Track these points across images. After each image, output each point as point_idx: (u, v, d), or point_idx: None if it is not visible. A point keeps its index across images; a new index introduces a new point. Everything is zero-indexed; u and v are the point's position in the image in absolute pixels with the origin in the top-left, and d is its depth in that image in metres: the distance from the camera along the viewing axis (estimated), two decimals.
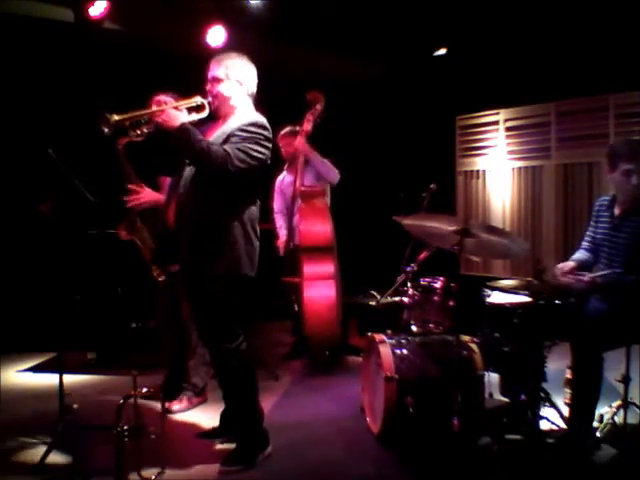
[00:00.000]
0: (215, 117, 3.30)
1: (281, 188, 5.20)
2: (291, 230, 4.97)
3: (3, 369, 4.74)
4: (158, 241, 3.75)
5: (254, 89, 3.33)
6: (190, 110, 3.21)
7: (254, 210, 3.25)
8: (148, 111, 3.14)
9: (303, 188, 4.89)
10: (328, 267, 4.77)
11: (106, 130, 3.02)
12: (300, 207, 4.84)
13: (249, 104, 3.31)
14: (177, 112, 3.11)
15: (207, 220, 3.12)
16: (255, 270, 3.23)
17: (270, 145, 3.22)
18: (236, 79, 3.24)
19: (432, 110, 6.72)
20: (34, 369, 4.98)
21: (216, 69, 3.24)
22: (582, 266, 3.54)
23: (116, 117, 3.02)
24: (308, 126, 4.88)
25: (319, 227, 4.79)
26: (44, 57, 5.27)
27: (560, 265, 3.53)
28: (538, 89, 5.98)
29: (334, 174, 4.94)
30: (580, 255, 3.63)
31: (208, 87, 3.25)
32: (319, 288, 4.73)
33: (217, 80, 3.22)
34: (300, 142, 4.88)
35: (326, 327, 4.73)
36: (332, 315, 4.74)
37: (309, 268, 4.74)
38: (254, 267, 3.22)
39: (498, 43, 5.93)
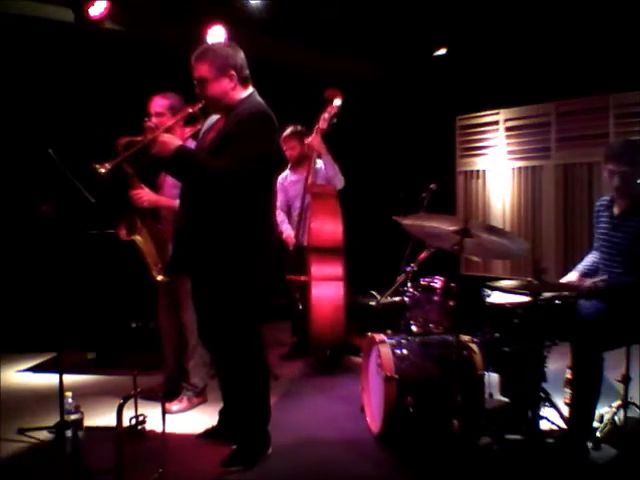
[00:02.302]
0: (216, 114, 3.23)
1: (283, 185, 5.20)
2: (299, 229, 4.96)
3: (3, 369, 4.74)
4: (173, 251, 3.65)
5: (246, 71, 3.13)
6: (184, 125, 3.15)
7: (269, 209, 3.19)
8: (140, 145, 3.00)
9: (315, 187, 4.87)
10: (337, 268, 4.77)
11: (104, 178, 2.91)
12: (310, 205, 4.82)
13: (247, 90, 3.14)
14: (170, 137, 2.99)
15: (216, 223, 3.05)
16: (270, 270, 3.18)
17: (272, 135, 3.09)
18: (223, 72, 3.04)
19: (432, 110, 6.72)
20: (34, 369, 4.97)
21: (201, 68, 3.05)
22: (588, 273, 3.54)
23: (102, 170, 2.88)
24: (324, 124, 4.85)
25: (330, 227, 4.77)
26: (44, 57, 5.27)
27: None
28: (538, 89, 5.98)
29: (339, 180, 4.94)
30: (588, 261, 3.64)
31: (197, 91, 3.10)
32: (327, 289, 4.73)
33: (205, 80, 3.05)
34: (315, 140, 4.85)
35: (332, 328, 4.73)
36: (339, 316, 4.75)
37: (318, 268, 4.74)
38: (268, 267, 3.18)
39: (498, 43, 5.93)
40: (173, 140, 2.98)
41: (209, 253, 3.09)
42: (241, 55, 3.14)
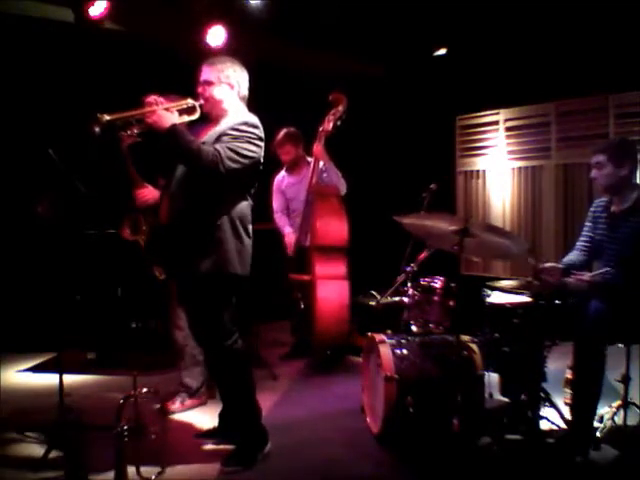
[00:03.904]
0: (208, 120, 3.32)
1: (281, 188, 5.21)
2: (301, 229, 4.98)
3: (3, 369, 4.74)
4: (150, 239, 3.75)
5: (246, 92, 3.36)
6: (181, 112, 3.22)
7: (245, 208, 3.25)
8: (139, 111, 3.14)
9: (319, 187, 4.90)
10: (341, 267, 4.81)
11: (97, 130, 3.02)
12: (315, 205, 4.84)
13: (241, 107, 3.33)
14: (168, 113, 3.13)
15: (196, 218, 3.14)
16: (247, 268, 3.23)
17: (262, 144, 3.24)
18: (227, 82, 3.27)
19: (432, 110, 6.72)
20: (34, 369, 4.97)
21: (208, 72, 3.28)
22: (572, 268, 3.54)
23: (107, 117, 3.03)
24: (329, 125, 4.89)
25: (336, 226, 4.81)
26: (44, 57, 5.27)
27: (548, 265, 3.51)
28: (538, 89, 5.98)
29: (342, 185, 4.98)
30: (571, 257, 3.64)
31: (200, 90, 3.28)
32: (332, 287, 4.75)
33: (209, 83, 3.26)
34: (318, 148, 4.89)
35: (337, 326, 4.75)
36: (343, 315, 4.77)
37: (323, 267, 4.76)
38: (245, 265, 3.22)
39: (498, 43, 5.93)
40: (170, 117, 3.12)
41: (192, 249, 3.13)
42: (246, 77, 3.37)
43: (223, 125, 3.21)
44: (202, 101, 3.26)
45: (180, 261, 3.21)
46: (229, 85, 3.28)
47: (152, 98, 3.16)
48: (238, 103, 3.32)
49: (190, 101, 3.24)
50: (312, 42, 5.91)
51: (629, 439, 3.35)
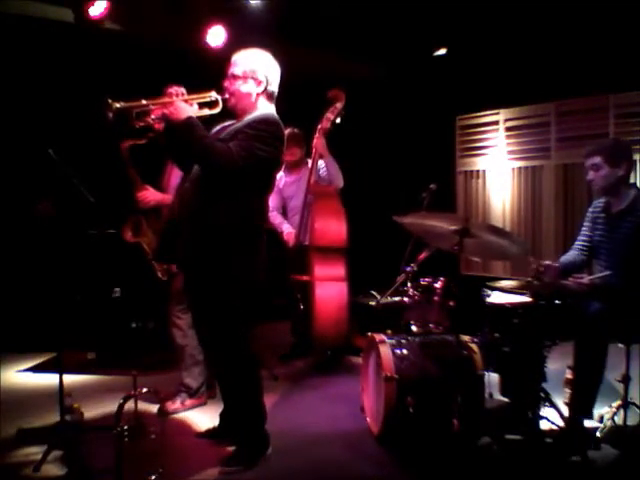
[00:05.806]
0: (233, 115, 3.26)
1: (278, 187, 5.21)
2: (300, 228, 4.98)
3: (3, 369, 4.74)
4: (160, 239, 3.74)
5: (274, 88, 3.28)
6: (202, 105, 3.17)
7: (258, 208, 3.22)
8: (157, 101, 3.08)
9: (317, 187, 4.90)
10: (340, 268, 4.79)
11: (110, 115, 2.96)
12: (313, 205, 4.84)
13: (267, 103, 3.26)
14: (186, 105, 3.07)
15: (208, 218, 3.09)
16: (257, 271, 3.19)
17: (278, 144, 3.16)
18: (254, 77, 3.20)
19: (432, 110, 6.72)
20: (34, 369, 4.97)
21: (235, 66, 3.21)
22: (568, 268, 3.54)
23: (122, 104, 2.98)
24: (327, 124, 4.90)
25: (335, 227, 4.79)
26: (44, 57, 5.27)
27: (544, 263, 3.50)
28: (538, 89, 5.98)
29: (340, 179, 4.97)
30: (569, 257, 3.64)
31: (226, 84, 3.22)
32: (331, 289, 4.74)
33: (235, 77, 3.19)
34: (319, 142, 4.89)
35: (335, 328, 4.75)
36: (342, 317, 4.76)
37: (322, 269, 4.75)
38: (256, 268, 3.19)
39: (498, 43, 5.93)
40: (188, 109, 3.06)
41: (203, 249, 3.11)
42: (278, 72, 3.30)
43: (244, 121, 3.14)
44: (227, 95, 3.19)
45: (189, 260, 3.18)
46: (255, 80, 3.20)
47: (173, 89, 3.10)
48: (264, 99, 3.24)
49: (213, 94, 3.18)
50: (312, 42, 5.91)
51: (629, 439, 3.35)
